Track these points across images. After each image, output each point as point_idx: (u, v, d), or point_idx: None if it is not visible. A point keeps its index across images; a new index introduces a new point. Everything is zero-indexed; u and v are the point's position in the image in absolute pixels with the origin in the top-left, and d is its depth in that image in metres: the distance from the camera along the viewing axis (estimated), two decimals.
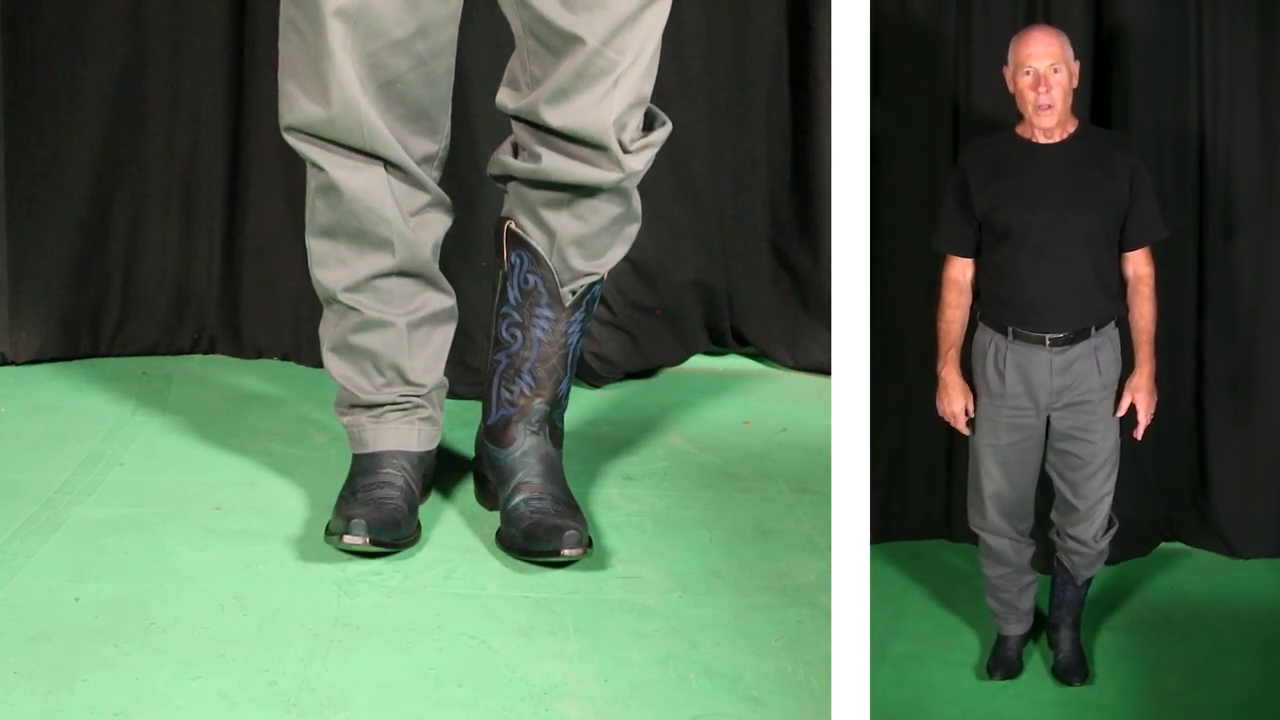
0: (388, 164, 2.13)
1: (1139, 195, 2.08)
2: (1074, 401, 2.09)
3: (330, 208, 2.15)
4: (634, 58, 2.03)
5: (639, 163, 2.10)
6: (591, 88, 2.02)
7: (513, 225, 2.17)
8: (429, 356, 2.27)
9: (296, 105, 2.10)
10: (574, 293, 2.17)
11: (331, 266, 2.19)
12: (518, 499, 2.15)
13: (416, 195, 2.18)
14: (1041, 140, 2.08)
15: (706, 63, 3.09)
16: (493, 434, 2.24)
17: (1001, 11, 2.42)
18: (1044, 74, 2.03)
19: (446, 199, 2.24)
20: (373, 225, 2.15)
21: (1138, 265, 2.12)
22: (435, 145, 2.19)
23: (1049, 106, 2.04)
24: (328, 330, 2.26)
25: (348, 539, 2.05)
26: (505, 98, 2.13)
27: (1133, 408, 2.09)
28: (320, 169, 2.12)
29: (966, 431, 2.14)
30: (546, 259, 2.15)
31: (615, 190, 2.11)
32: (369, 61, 2.05)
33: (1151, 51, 2.42)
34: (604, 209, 2.13)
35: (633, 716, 1.71)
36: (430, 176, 2.20)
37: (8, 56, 2.93)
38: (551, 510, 2.12)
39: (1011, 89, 2.07)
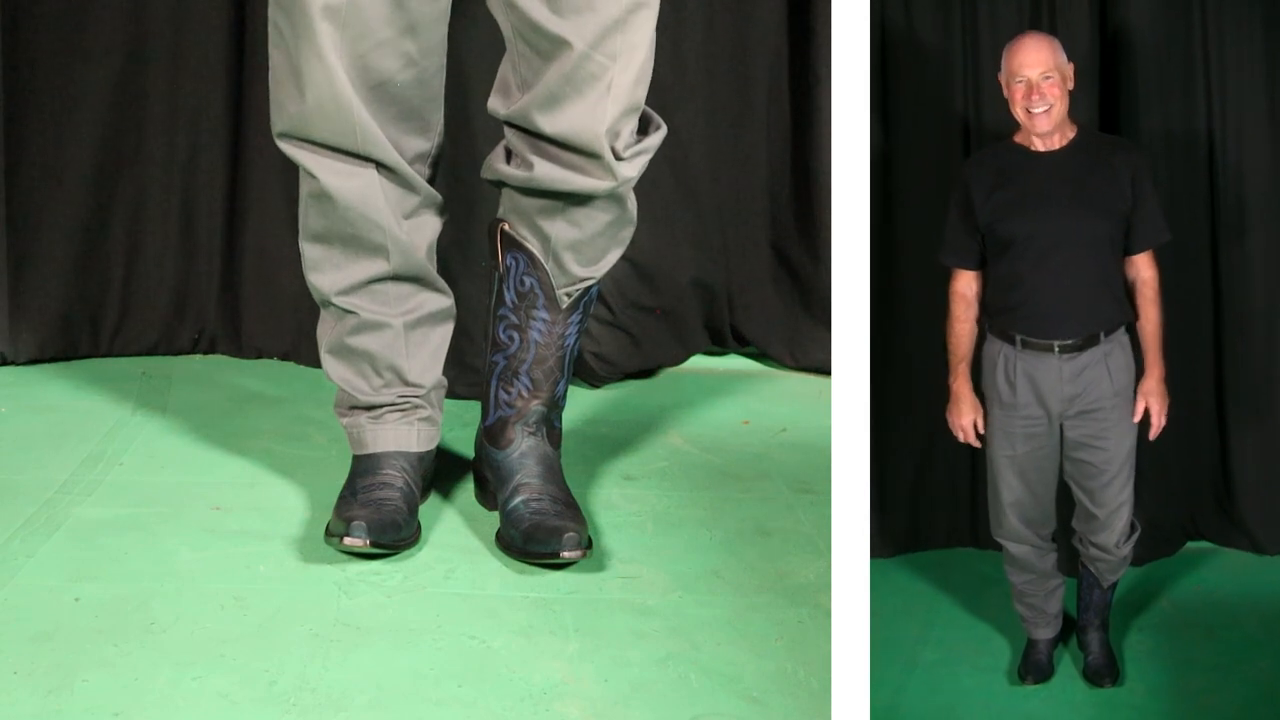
0: (380, 166, 2.12)
1: (1142, 198, 2.08)
2: (1086, 409, 2.08)
3: (323, 214, 2.14)
4: (625, 63, 2.02)
5: (632, 170, 2.09)
6: (584, 94, 2.01)
7: (506, 227, 2.16)
8: (427, 357, 2.27)
9: (286, 110, 2.10)
10: (570, 295, 2.17)
11: (326, 271, 2.19)
12: (517, 500, 2.16)
13: (409, 197, 2.18)
14: (1041, 148, 2.07)
15: (706, 63, 3.09)
16: (491, 435, 2.24)
17: (1007, 19, 2.42)
18: (1036, 82, 2.03)
19: (439, 198, 2.24)
20: (366, 231, 2.14)
21: (1142, 269, 2.11)
22: (428, 143, 2.19)
23: (1044, 113, 2.04)
24: (325, 332, 2.26)
25: (348, 541, 2.05)
26: (496, 103, 2.12)
27: (1146, 411, 2.10)
28: (312, 176, 2.12)
29: (976, 444, 2.14)
30: (543, 262, 2.15)
31: (610, 197, 2.11)
32: (359, 63, 2.05)
33: (1157, 55, 2.42)
34: (598, 215, 2.13)
35: (633, 716, 1.71)
36: (423, 175, 2.20)
37: (8, 57, 2.93)
38: (551, 511, 2.12)
39: (1006, 96, 2.07)
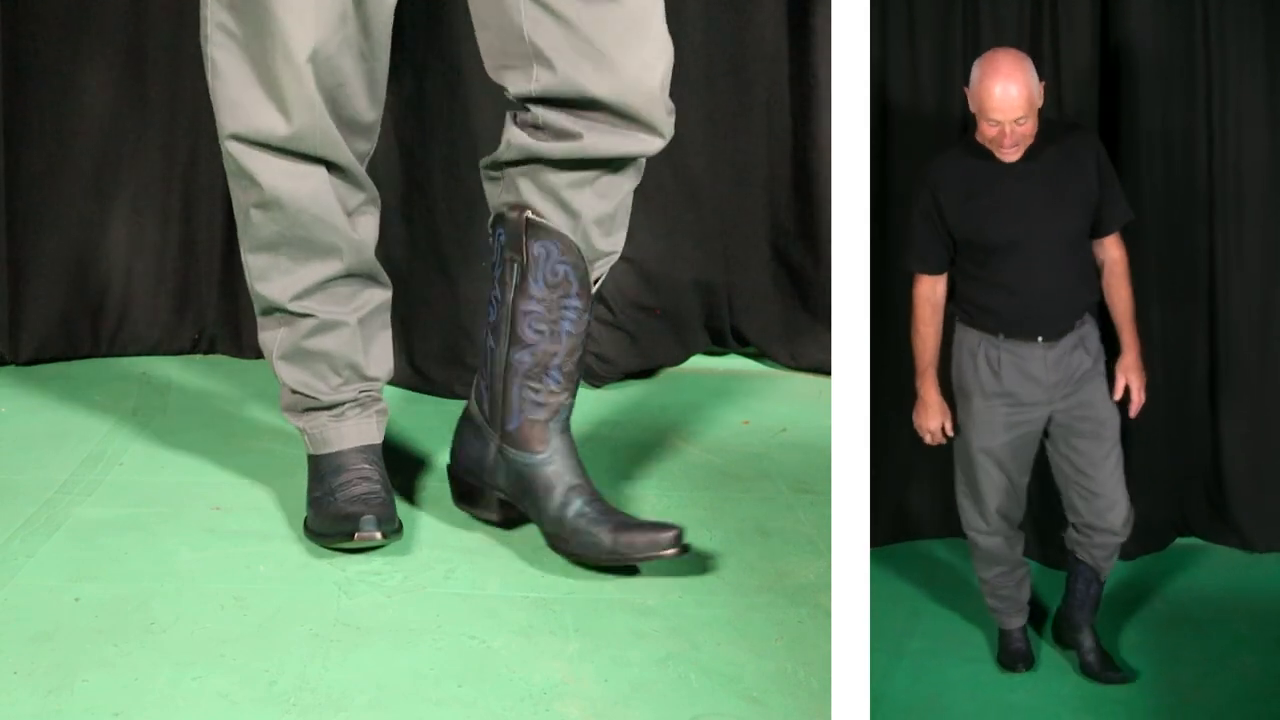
0: (331, 166, 2.11)
1: (1106, 183, 2.10)
2: (1072, 389, 2.11)
3: (272, 221, 2.12)
4: (658, 8, 2.01)
5: (672, 127, 2.07)
6: (632, 51, 1.99)
7: (531, 215, 2.08)
8: (379, 350, 2.25)
9: (243, 114, 2.06)
10: (598, 279, 2.13)
11: (274, 278, 2.17)
12: (578, 502, 2.09)
13: (356, 195, 2.17)
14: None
15: (706, 63, 3.09)
16: (518, 439, 2.14)
17: (1008, 19, 2.42)
18: (1009, 129, 2.01)
19: (377, 194, 2.22)
20: (320, 233, 2.13)
21: (1111, 249, 2.15)
22: (369, 144, 2.17)
23: (1013, 147, 2.04)
24: (273, 339, 2.22)
25: (361, 536, 2.06)
26: (517, 81, 2.03)
27: (1124, 390, 2.13)
28: (257, 184, 2.09)
29: (935, 442, 2.16)
30: (576, 244, 2.07)
31: (638, 162, 2.09)
32: (323, 66, 2.02)
33: (1159, 62, 2.43)
34: (624, 184, 2.10)
35: (633, 716, 1.71)
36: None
37: (8, 57, 2.93)
38: (618, 510, 2.10)
39: (973, 108, 2.04)
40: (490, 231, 2.17)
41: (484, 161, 2.15)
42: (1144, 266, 2.44)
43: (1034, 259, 2.07)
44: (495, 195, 2.15)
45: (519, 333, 2.11)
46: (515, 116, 2.08)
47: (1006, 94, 1.99)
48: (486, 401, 2.18)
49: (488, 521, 2.23)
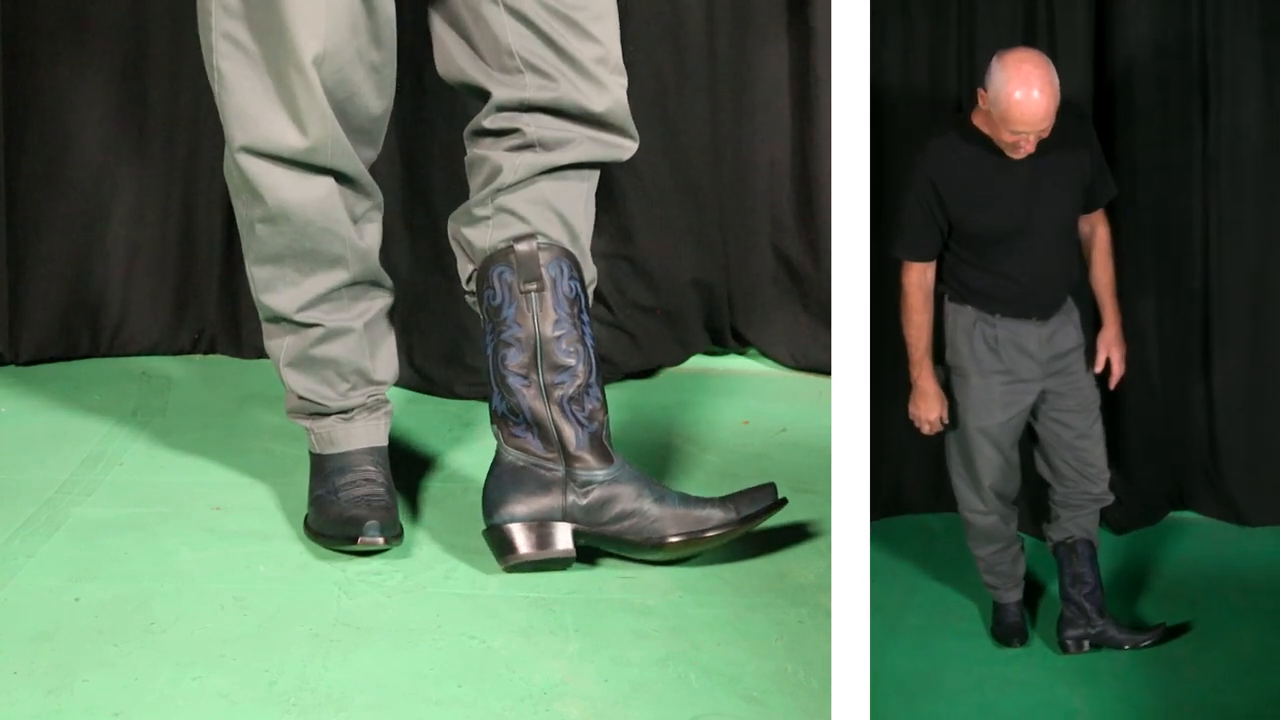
0: (339, 176, 2.10)
1: (1095, 160, 2.11)
2: (1062, 366, 2.14)
3: (278, 234, 2.10)
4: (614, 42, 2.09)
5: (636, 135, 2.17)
6: (606, 73, 2.08)
7: (542, 238, 2.09)
8: (385, 354, 2.25)
9: (253, 125, 2.05)
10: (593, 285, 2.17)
11: (280, 290, 2.15)
12: (670, 492, 2.10)
13: (363, 202, 2.16)
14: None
15: (706, 62, 3.09)
16: (587, 459, 2.09)
17: (1004, 16, 2.42)
18: (1032, 137, 2.00)
19: (381, 198, 2.21)
20: (326, 244, 2.12)
21: (1097, 224, 2.17)
22: (374, 152, 2.17)
23: (1027, 151, 2.04)
24: (279, 346, 2.21)
25: (365, 541, 2.05)
26: (502, 88, 2.07)
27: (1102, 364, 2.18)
28: (260, 199, 2.08)
29: (933, 432, 2.17)
30: (578, 258, 2.11)
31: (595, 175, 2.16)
32: (336, 77, 2.02)
33: (1156, 71, 2.43)
34: (593, 192, 2.15)
35: (633, 716, 1.71)
36: None
37: (8, 56, 2.93)
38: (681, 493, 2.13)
39: (992, 112, 2.01)
40: (484, 281, 2.11)
41: (472, 202, 2.13)
42: (1139, 243, 2.45)
43: (1035, 247, 2.08)
44: (484, 237, 2.11)
45: (556, 359, 2.08)
46: (497, 144, 2.10)
47: (1034, 106, 1.96)
48: (535, 439, 2.10)
49: (557, 560, 2.09)
